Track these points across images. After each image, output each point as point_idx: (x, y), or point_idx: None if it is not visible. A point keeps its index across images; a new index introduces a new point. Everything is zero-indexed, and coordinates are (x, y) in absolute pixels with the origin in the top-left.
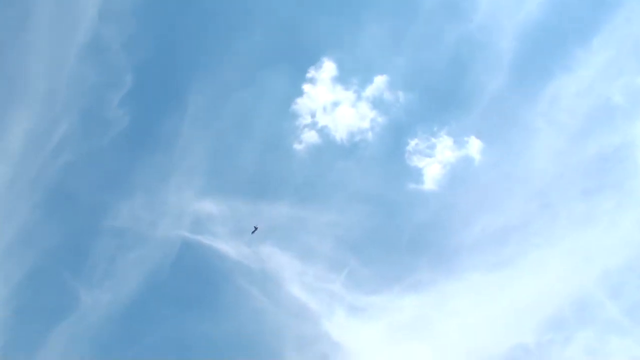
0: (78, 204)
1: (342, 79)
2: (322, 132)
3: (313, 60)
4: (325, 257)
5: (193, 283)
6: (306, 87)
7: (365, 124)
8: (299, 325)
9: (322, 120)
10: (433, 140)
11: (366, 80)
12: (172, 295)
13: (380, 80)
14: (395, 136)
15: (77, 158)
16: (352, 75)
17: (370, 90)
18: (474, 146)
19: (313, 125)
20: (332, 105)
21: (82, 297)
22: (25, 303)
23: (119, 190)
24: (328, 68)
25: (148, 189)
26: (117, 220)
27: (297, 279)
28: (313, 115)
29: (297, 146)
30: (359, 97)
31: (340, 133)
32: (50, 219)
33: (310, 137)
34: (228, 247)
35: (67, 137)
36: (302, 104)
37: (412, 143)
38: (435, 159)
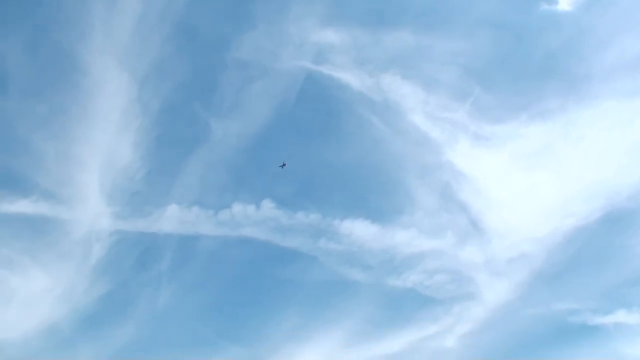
0: (203, 38)
1: None
2: None
3: None
4: (449, 85)
5: (316, 113)
6: None
7: None
8: (421, 154)
9: None
10: None
11: None
12: (297, 124)
13: None
14: None
15: None
16: None
17: None
18: None
19: None
20: None
21: (212, 127)
22: (163, 133)
23: (242, 22)
24: None
25: (269, 20)
26: (241, 53)
27: (419, 108)
28: None
29: None
30: None
31: None
32: (179, 53)
33: None
34: (350, 77)
35: None
36: None
37: None
38: None
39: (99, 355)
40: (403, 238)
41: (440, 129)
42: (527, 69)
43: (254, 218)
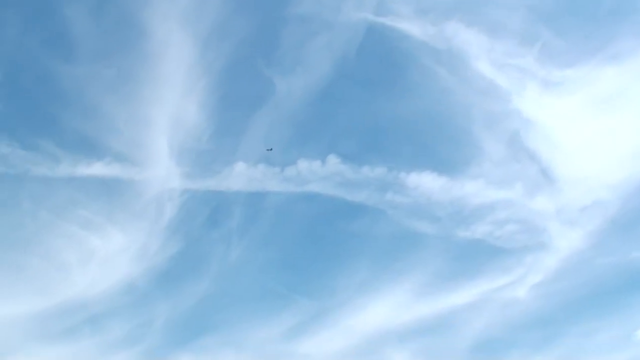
0: None
1: None
2: None
3: None
4: (515, 31)
5: (379, 65)
6: None
7: None
8: (487, 102)
9: None
10: None
11: None
12: (360, 78)
13: None
14: None
15: None
16: None
17: None
18: None
19: None
20: None
21: (276, 84)
22: (228, 92)
23: None
24: None
25: None
26: (301, 7)
27: (484, 56)
28: None
29: None
30: None
31: None
32: (239, 11)
33: None
34: (412, 27)
35: None
36: None
37: None
38: None
39: (175, 310)
40: (471, 189)
41: (507, 76)
42: (598, 10)
43: (319, 174)
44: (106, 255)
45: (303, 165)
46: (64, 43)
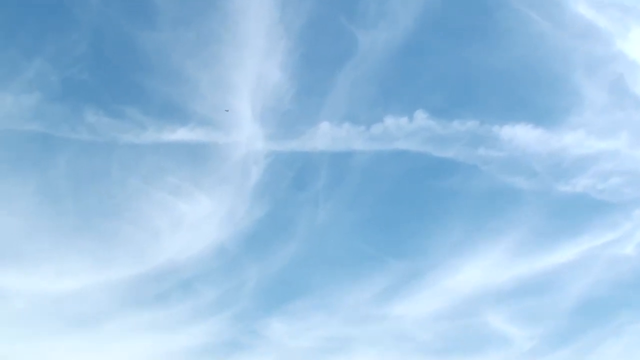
0: None
1: None
2: None
3: None
4: None
5: (467, 12)
6: None
7: None
8: (587, 46)
9: None
10: None
11: None
12: (447, 27)
13: None
14: None
15: None
16: None
17: None
18: None
19: None
20: None
21: (359, 39)
22: (309, 50)
23: None
24: None
25: None
26: None
27: None
28: None
29: None
30: None
31: None
32: None
33: None
34: None
35: None
36: None
37: None
38: None
39: (264, 273)
40: (571, 140)
41: (608, 17)
42: None
43: (407, 130)
44: (195, 221)
45: (389, 122)
46: (145, 9)
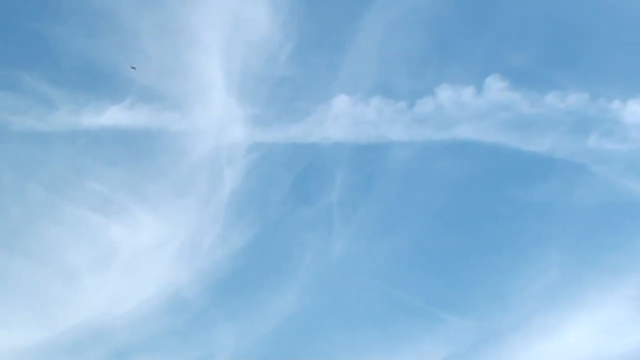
0: None
1: None
2: None
3: None
4: None
5: None
6: None
7: None
8: None
9: None
10: None
11: None
12: None
13: None
14: None
15: None
16: None
17: None
18: None
19: None
20: None
21: None
22: None
23: None
24: None
25: None
26: None
27: None
28: None
29: None
30: None
31: None
32: None
33: None
34: None
35: None
36: None
37: None
38: None
39: (245, 340)
40: None
41: None
42: None
43: (473, 107)
44: (133, 254)
45: (444, 95)
46: None
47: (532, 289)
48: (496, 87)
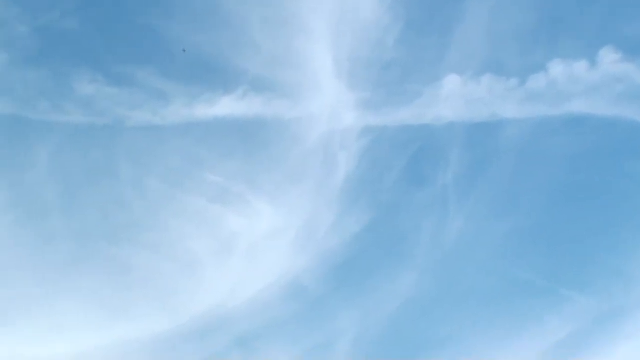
0: None
1: None
2: None
3: None
4: None
5: None
6: None
7: None
8: None
9: None
10: None
11: None
12: None
13: None
14: None
15: None
16: None
17: None
18: None
19: None
20: None
21: None
22: None
23: None
24: None
25: None
26: None
27: None
28: None
29: None
30: None
31: None
32: None
33: None
34: None
35: None
36: None
37: None
38: None
39: (365, 324)
40: None
41: None
42: None
43: (586, 81)
44: (252, 243)
45: (557, 70)
46: None
47: None
48: (610, 59)
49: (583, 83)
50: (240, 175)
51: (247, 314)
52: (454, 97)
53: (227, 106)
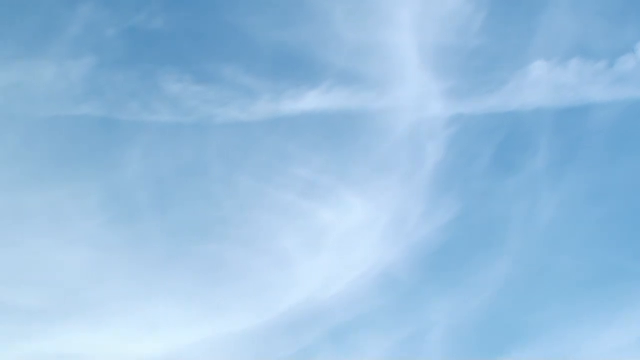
0: None
1: None
2: None
3: None
4: None
5: None
6: None
7: None
8: None
9: None
10: None
11: None
12: None
13: None
14: None
15: None
16: None
17: None
18: None
19: None
20: None
21: None
22: None
23: None
24: None
25: None
26: None
27: None
28: None
29: None
30: None
31: None
32: None
33: None
34: None
35: None
36: None
37: None
38: None
39: (457, 315)
40: None
41: None
42: None
43: None
44: (342, 235)
45: None
46: None
47: None
48: None
49: None
50: (328, 169)
51: (338, 307)
52: (541, 83)
53: (313, 100)
